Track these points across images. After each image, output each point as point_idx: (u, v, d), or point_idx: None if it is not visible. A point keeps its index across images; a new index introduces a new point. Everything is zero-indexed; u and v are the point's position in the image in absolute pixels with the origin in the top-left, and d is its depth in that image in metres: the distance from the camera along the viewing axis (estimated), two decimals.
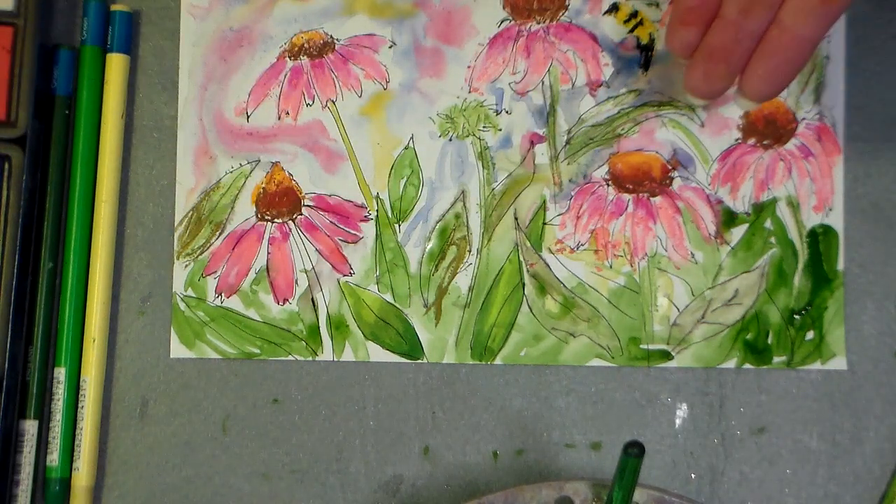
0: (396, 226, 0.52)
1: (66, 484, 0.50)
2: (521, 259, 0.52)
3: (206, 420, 0.51)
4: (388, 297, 0.52)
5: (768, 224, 0.51)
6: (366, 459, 0.51)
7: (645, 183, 0.52)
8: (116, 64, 0.52)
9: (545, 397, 0.51)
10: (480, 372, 0.51)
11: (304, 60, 0.52)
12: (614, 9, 0.52)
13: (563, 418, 0.51)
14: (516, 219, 0.52)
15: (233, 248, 0.52)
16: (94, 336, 0.50)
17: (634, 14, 0.52)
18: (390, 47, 0.52)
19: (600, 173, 0.52)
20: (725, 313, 0.51)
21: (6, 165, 0.49)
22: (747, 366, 0.51)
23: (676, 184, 0.52)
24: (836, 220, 0.52)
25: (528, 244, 0.52)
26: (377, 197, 0.52)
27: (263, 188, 0.52)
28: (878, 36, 0.52)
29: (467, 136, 0.52)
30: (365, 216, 0.52)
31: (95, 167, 0.51)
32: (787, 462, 0.51)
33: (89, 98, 0.51)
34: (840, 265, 0.51)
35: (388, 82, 0.52)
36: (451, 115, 0.52)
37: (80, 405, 0.50)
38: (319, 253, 0.52)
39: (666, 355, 0.51)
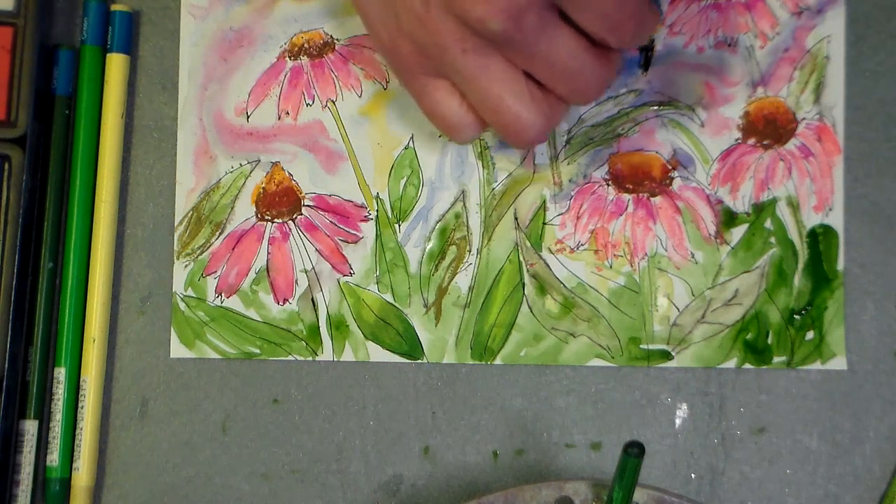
0: (396, 226, 0.52)
1: (66, 484, 0.50)
2: (521, 259, 0.52)
3: (206, 420, 0.51)
4: (388, 297, 0.52)
5: (768, 224, 0.51)
6: (366, 459, 0.51)
7: (645, 183, 0.52)
8: (116, 64, 0.52)
9: (545, 397, 0.51)
10: (480, 372, 0.51)
11: (304, 60, 0.52)
12: None
13: (563, 418, 0.51)
14: (516, 219, 0.52)
15: (233, 248, 0.52)
16: (94, 336, 0.51)
17: None
18: None
19: (600, 173, 0.52)
20: (725, 313, 0.51)
21: (6, 165, 0.49)
22: (747, 366, 0.51)
23: (676, 184, 0.52)
24: (836, 220, 0.51)
25: (528, 244, 0.52)
26: (377, 197, 0.52)
27: (263, 188, 0.52)
28: (878, 36, 0.52)
29: None
30: (365, 216, 0.52)
31: (95, 167, 0.51)
32: (787, 462, 0.51)
33: (89, 98, 0.51)
34: (840, 265, 0.51)
35: (388, 82, 0.52)
36: None
37: (80, 405, 0.50)
38: (319, 253, 0.52)
39: (666, 355, 0.51)
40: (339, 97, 0.52)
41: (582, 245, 0.52)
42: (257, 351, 0.51)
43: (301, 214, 0.52)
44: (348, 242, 0.52)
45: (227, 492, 0.51)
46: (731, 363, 0.51)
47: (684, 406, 0.51)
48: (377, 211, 0.52)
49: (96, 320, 0.51)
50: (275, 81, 0.52)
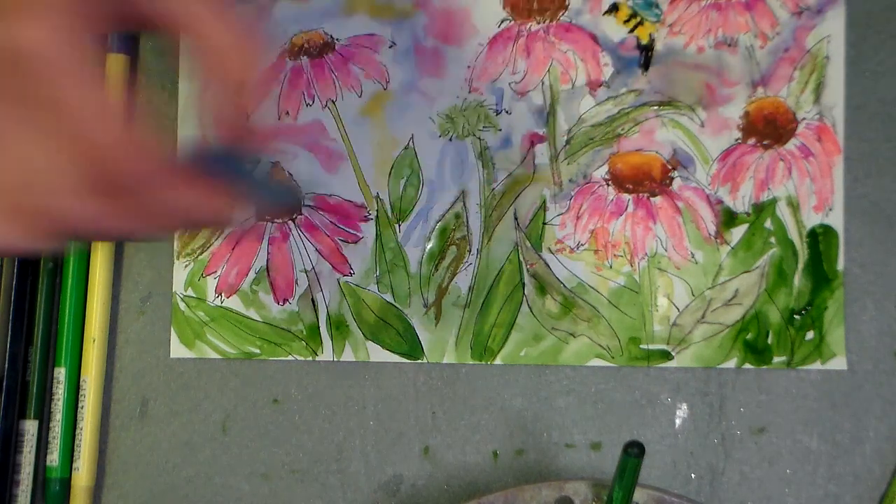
0: (396, 226, 0.52)
1: (66, 484, 0.50)
2: (521, 259, 0.52)
3: (206, 420, 0.51)
4: (388, 297, 0.52)
5: (768, 224, 0.51)
6: (366, 459, 0.51)
7: (645, 183, 0.52)
8: (116, 64, 0.52)
9: (545, 397, 0.51)
10: (480, 372, 0.51)
11: (304, 60, 0.52)
12: (614, 9, 0.52)
13: (563, 418, 0.51)
14: (516, 219, 0.52)
15: (233, 248, 0.52)
16: (94, 336, 0.51)
17: (634, 14, 0.52)
18: (390, 47, 0.52)
19: (600, 173, 0.52)
20: (725, 313, 0.51)
21: None
22: (747, 366, 0.51)
23: (676, 184, 0.52)
24: (836, 220, 0.51)
25: (528, 244, 0.52)
26: (377, 197, 0.52)
27: None
28: (878, 36, 0.52)
29: (467, 136, 0.52)
30: (365, 216, 0.52)
31: None
32: (787, 462, 0.51)
33: None
34: (840, 265, 0.51)
35: (388, 82, 0.52)
36: (451, 115, 0.52)
37: (80, 405, 0.50)
38: (319, 253, 0.52)
39: (666, 355, 0.51)
40: (339, 97, 0.52)
41: (582, 245, 0.52)
42: (257, 351, 0.51)
43: (301, 214, 0.52)
44: (348, 242, 0.52)
45: (227, 492, 0.51)
46: (731, 363, 0.51)
47: (684, 406, 0.51)
48: (377, 211, 0.52)
49: (96, 320, 0.51)
50: (275, 81, 0.52)
